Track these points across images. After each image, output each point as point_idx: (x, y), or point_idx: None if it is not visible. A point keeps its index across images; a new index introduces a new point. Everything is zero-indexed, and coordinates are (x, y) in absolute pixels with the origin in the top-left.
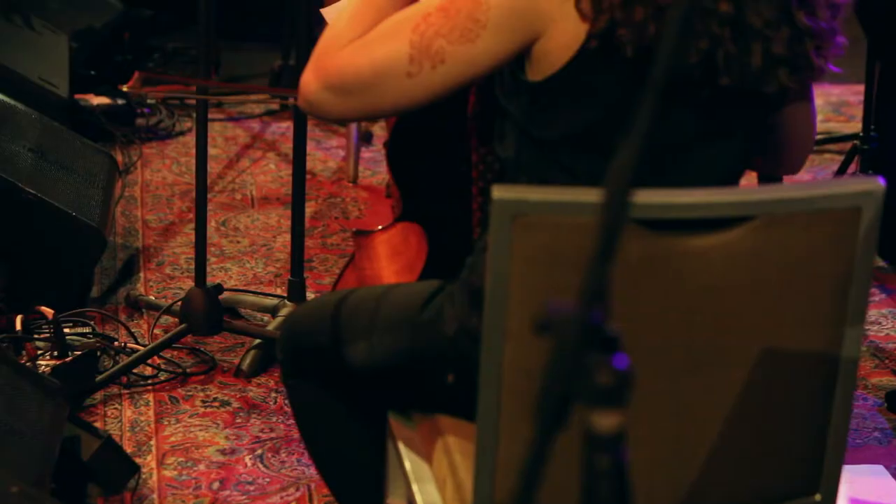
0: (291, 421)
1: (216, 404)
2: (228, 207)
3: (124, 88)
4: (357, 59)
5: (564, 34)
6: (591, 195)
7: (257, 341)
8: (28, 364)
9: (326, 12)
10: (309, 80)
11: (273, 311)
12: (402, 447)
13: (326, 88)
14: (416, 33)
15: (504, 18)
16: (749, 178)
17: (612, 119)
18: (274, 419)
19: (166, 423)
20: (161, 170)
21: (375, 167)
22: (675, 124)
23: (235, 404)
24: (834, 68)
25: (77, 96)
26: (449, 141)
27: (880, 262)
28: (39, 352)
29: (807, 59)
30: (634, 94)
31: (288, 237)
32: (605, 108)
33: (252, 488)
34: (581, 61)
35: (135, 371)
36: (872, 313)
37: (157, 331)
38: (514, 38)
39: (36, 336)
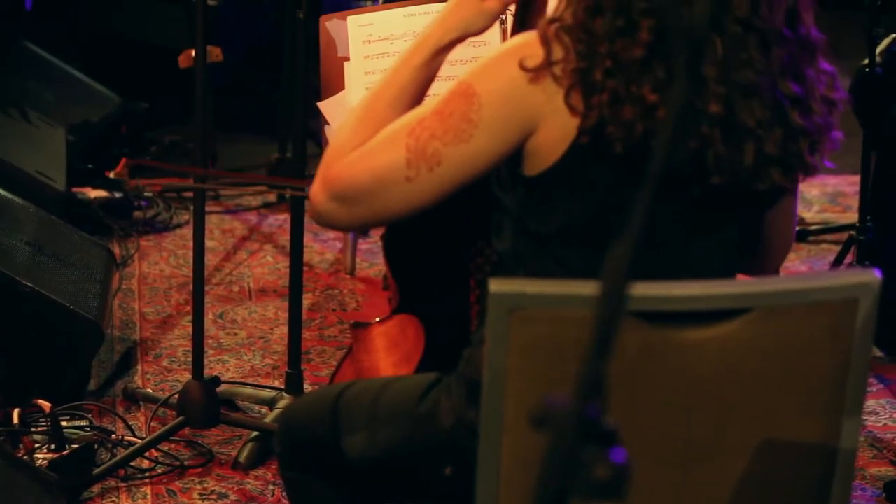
0: None
1: (214, 497)
2: (226, 300)
3: (111, 175)
4: (358, 168)
5: (556, 129)
6: (587, 288)
7: (255, 434)
8: (25, 457)
9: (323, 106)
10: (316, 192)
11: (270, 403)
12: None
13: (332, 199)
14: (412, 138)
15: (496, 117)
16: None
17: (605, 213)
18: None
19: None
20: (158, 262)
21: (373, 259)
22: (668, 220)
23: (233, 497)
24: (828, 164)
25: (74, 189)
26: (446, 234)
27: (877, 353)
28: (37, 445)
29: (800, 158)
30: (626, 190)
31: (285, 329)
32: (597, 203)
33: None
34: (573, 156)
35: (132, 464)
36: (870, 403)
37: (154, 423)
38: (507, 136)
39: (33, 429)
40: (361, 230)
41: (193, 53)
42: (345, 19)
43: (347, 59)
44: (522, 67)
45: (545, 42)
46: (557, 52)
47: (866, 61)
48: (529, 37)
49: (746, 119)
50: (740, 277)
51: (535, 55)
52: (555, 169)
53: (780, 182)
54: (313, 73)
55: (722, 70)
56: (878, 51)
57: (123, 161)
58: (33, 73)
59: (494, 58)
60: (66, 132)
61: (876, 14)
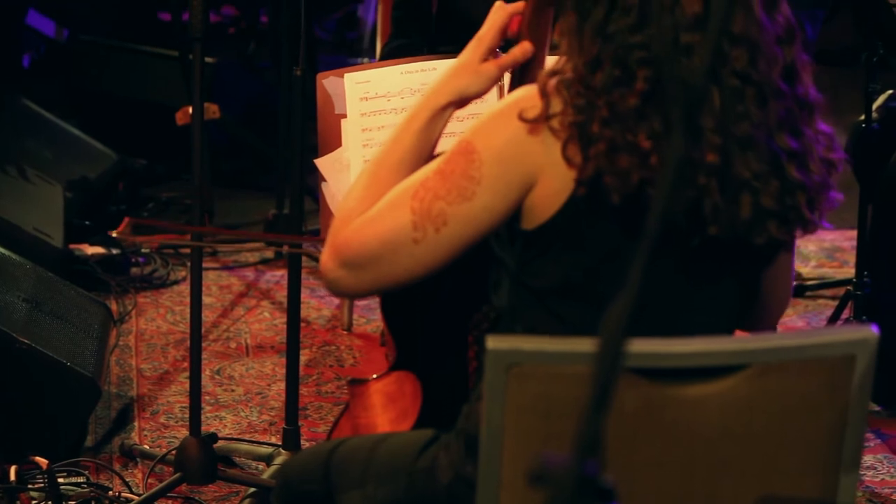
0: None
1: None
2: (223, 356)
3: (113, 234)
4: (364, 234)
5: (554, 182)
6: (585, 345)
7: (252, 490)
8: None
9: (320, 163)
10: (325, 261)
11: (268, 459)
12: None
13: (341, 266)
14: (417, 199)
15: (497, 173)
16: None
17: (603, 267)
18: None
19: None
20: (155, 319)
21: (370, 315)
22: (666, 273)
23: None
24: (826, 224)
25: (72, 246)
26: (443, 290)
27: (875, 407)
28: (34, 502)
29: (798, 213)
30: (624, 244)
31: (282, 385)
32: (595, 257)
33: None
34: (571, 209)
35: None
36: (867, 458)
37: (151, 480)
38: (509, 191)
39: (30, 486)
40: (369, 296)
41: (191, 110)
42: (342, 77)
43: (344, 116)
44: (521, 118)
45: (544, 95)
46: (556, 105)
47: (863, 117)
48: (528, 90)
49: (743, 171)
50: (738, 333)
51: (534, 107)
52: (552, 222)
53: (777, 235)
54: (310, 130)
55: (719, 121)
56: (874, 107)
57: (126, 220)
58: (31, 130)
59: (493, 114)
60: (64, 189)
61: (872, 71)
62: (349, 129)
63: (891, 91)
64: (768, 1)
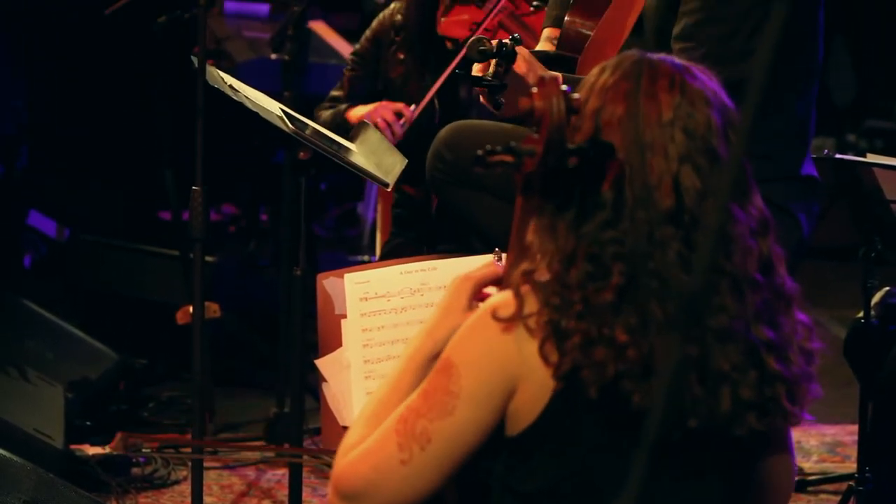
0: None
1: None
2: None
3: (108, 449)
4: (356, 465)
5: (533, 386)
6: None
7: None
8: None
9: (321, 364)
10: (330, 496)
11: None
12: None
13: (342, 499)
14: (402, 422)
15: (476, 383)
16: None
17: (588, 469)
18: None
19: None
20: None
21: None
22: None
23: None
24: (807, 416)
25: (72, 447)
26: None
27: None
28: None
29: (777, 404)
30: (605, 439)
31: None
32: (578, 458)
33: None
34: (552, 410)
35: None
36: None
37: None
38: (491, 400)
39: None
40: None
41: (191, 309)
42: (342, 277)
43: (345, 316)
44: (495, 318)
45: (518, 297)
46: (531, 305)
47: (861, 313)
48: (503, 294)
49: (722, 363)
50: None
51: (508, 308)
52: (536, 426)
53: (757, 427)
54: (311, 329)
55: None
56: (872, 303)
57: (118, 436)
58: (32, 331)
59: (469, 325)
60: (65, 390)
61: (870, 266)
62: (349, 330)
63: (888, 287)
64: (741, 194)
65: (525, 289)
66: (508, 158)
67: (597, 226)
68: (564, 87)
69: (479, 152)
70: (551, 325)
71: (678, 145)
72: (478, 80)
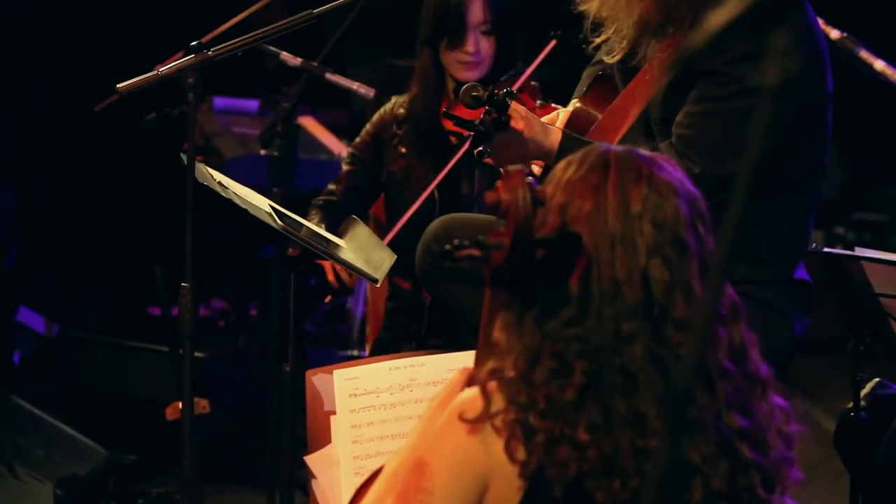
0: None
1: None
2: None
3: None
4: None
5: (503, 485)
6: None
7: None
8: None
9: (310, 460)
10: None
11: None
12: None
13: None
14: None
15: (448, 479)
16: None
17: None
18: None
19: None
20: None
21: None
22: None
23: None
24: (788, 501)
25: None
26: None
27: None
28: None
29: (752, 493)
30: None
31: None
32: None
33: None
34: None
35: None
36: None
37: None
38: (464, 495)
39: None
40: None
41: (181, 405)
42: (331, 373)
43: (334, 412)
44: (462, 420)
45: (485, 395)
46: (497, 403)
47: (851, 405)
48: (471, 393)
49: (692, 455)
50: None
51: (475, 408)
52: None
53: None
54: (300, 424)
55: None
56: (861, 395)
57: None
58: (21, 428)
59: (439, 427)
60: (54, 486)
61: (859, 359)
62: (339, 426)
63: (878, 379)
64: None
65: (492, 386)
66: (476, 252)
67: (562, 323)
68: (530, 179)
69: (447, 247)
70: (517, 424)
71: (647, 238)
72: (464, 124)
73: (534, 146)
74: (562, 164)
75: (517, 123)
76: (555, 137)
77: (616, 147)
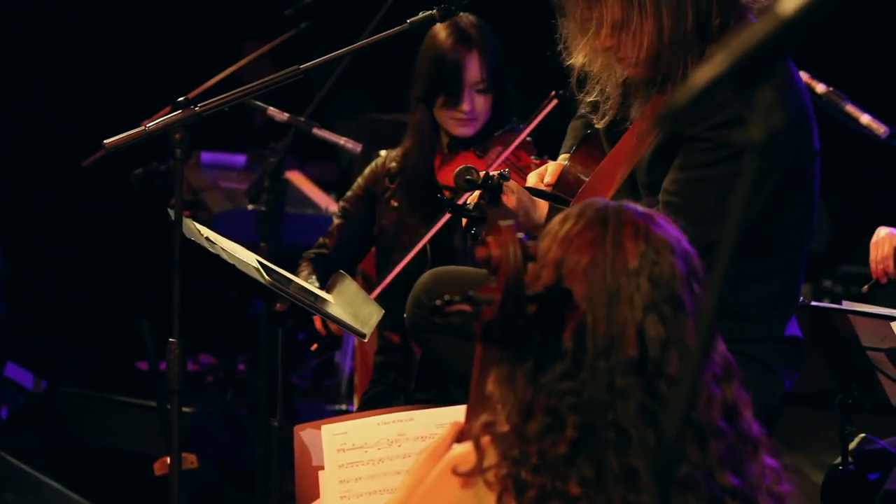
0: None
1: None
2: None
3: None
4: None
5: None
6: None
7: None
8: None
9: None
10: None
11: None
12: None
13: None
14: None
15: None
16: None
17: None
18: None
19: None
20: None
21: None
22: None
23: None
24: None
25: None
26: None
27: None
28: None
29: None
30: None
31: None
32: None
33: None
34: None
35: None
36: None
37: None
38: None
39: None
40: None
41: (168, 460)
42: (319, 428)
43: (322, 467)
44: (455, 473)
45: (478, 449)
46: (490, 458)
47: (839, 459)
48: (464, 448)
49: None
50: None
51: (468, 462)
52: None
53: None
54: (288, 479)
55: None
56: (849, 449)
57: None
58: (10, 484)
59: (432, 480)
60: None
61: (847, 413)
62: (327, 481)
63: (863, 434)
64: (707, 348)
65: (485, 441)
66: (466, 308)
67: (556, 376)
68: (520, 235)
69: (438, 302)
70: (510, 478)
71: (643, 294)
72: (458, 209)
73: (524, 219)
74: (558, 218)
75: (509, 200)
76: (542, 211)
77: (613, 203)
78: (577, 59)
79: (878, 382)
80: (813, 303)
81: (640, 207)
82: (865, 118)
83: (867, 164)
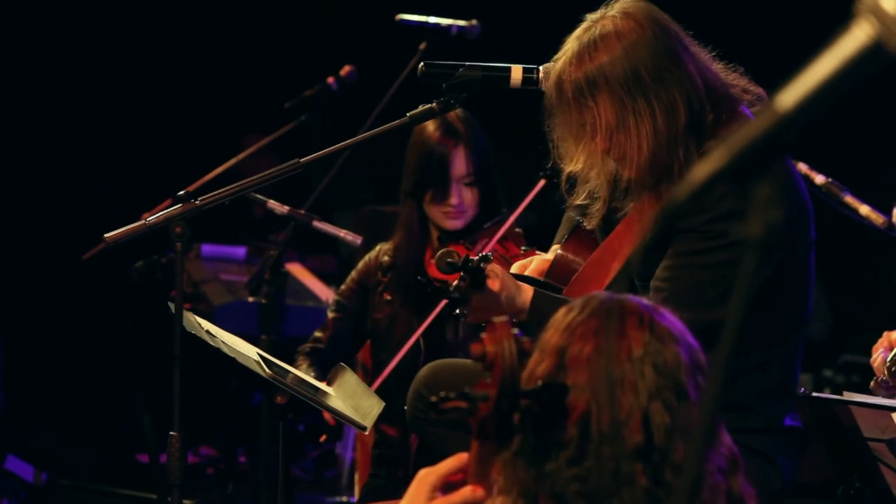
0: None
1: None
2: None
3: None
4: None
5: None
6: None
7: None
8: None
9: None
10: None
11: None
12: None
13: None
14: None
15: None
16: None
17: None
18: None
19: None
20: None
21: None
22: None
23: None
24: None
25: None
26: None
27: None
28: None
29: None
30: None
31: None
32: None
33: None
34: None
35: None
36: None
37: None
38: None
39: None
40: None
41: None
42: None
43: None
44: None
45: None
46: None
47: None
48: None
49: None
50: None
51: None
52: None
53: None
54: None
55: None
56: None
57: None
58: None
59: None
60: None
61: None
62: None
63: None
64: (709, 433)
65: None
66: (462, 404)
67: (561, 464)
68: (515, 331)
69: (433, 398)
70: None
71: (648, 381)
72: (439, 291)
73: (507, 303)
74: (562, 310)
75: (493, 284)
76: (527, 296)
77: (618, 294)
78: (575, 166)
79: (880, 473)
80: (814, 393)
81: (644, 300)
82: (865, 209)
83: (868, 253)
